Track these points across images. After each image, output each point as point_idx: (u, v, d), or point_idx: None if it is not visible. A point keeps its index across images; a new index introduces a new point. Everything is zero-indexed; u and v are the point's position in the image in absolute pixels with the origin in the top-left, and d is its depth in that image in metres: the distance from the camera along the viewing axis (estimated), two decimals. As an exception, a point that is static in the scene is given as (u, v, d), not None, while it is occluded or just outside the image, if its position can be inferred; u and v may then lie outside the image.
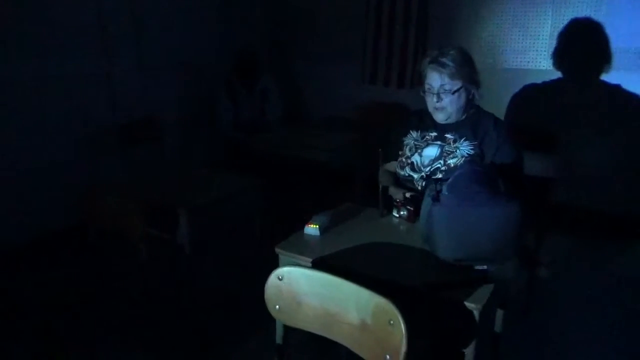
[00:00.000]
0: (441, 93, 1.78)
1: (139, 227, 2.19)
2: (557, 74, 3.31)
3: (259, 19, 4.41)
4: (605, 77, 3.17)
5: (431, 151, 1.84)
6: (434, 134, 1.86)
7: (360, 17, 3.96)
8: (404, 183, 1.91)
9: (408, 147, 1.91)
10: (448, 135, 1.83)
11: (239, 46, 3.87)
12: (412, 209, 1.74)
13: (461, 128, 1.83)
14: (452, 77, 1.76)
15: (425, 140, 1.87)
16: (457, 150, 1.79)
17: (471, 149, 1.78)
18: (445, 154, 1.80)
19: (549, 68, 3.33)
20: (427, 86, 1.82)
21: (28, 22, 2.85)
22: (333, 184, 3.37)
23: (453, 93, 1.77)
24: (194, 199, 2.39)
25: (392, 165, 1.99)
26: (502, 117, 3.15)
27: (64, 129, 3.10)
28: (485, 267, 1.39)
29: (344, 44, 4.11)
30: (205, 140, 3.99)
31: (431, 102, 1.82)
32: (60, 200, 2.97)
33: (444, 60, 1.76)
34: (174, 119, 3.71)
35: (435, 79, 1.78)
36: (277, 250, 1.59)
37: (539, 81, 3.35)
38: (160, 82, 3.66)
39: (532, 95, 3.37)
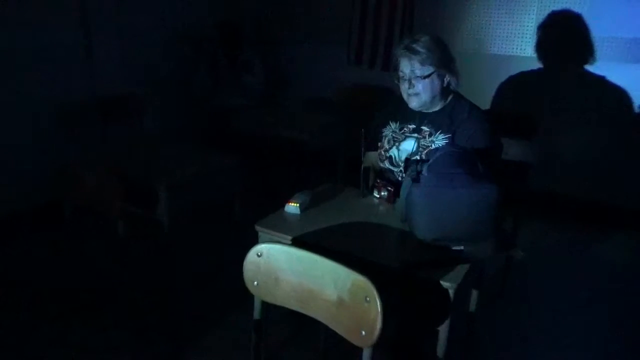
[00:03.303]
0: (412, 79, 1.78)
1: (117, 203, 2.15)
2: (542, 62, 3.33)
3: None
4: (589, 67, 3.20)
5: (408, 145, 1.85)
6: (413, 126, 1.86)
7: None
8: (384, 174, 1.92)
9: (386, 139, 1.91)
10: (424, 128, 1.83)
11: (223, 20, 3.81)
12: (392, 190, 1.75)
13: (438, 119, 1.83)
14: (422, 62, 1.76)
15: (403, 133, 1.88)
16: (433, 145, 1.79)
17: (446, 143, 1.79)
18: (421, 148, 1.81)
19: (533, 55, 3.34)
20: (400, 73, 1.83)
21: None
22: (315, 164, 3.36)
23: (424, 78, 1.77)
24: (174, 175, 2.37)
25: (374, 155, 2.00)
26: (485, 102, 3.21)
27: (41, 103, 3.00)
28: (461, 247, 1.41)
29: (330, 24, 4.06)
30: (186, 116, 3.94)
31: (404, 88, 1.83)
32: (36, 175, 2.90)
33: (414, 46, 1.76)
34: (155, 93, 3.63)
35: (406, 65, 1.79)
36: (257, 227, 1.59)
37: (525, 69, 3.37)
38: (141, 55, 3.57)
39: (518, 82, 3.39)
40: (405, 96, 1.85)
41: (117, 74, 3.40)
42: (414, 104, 1.83)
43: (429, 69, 1.76)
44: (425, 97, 1.80)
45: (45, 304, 2.27)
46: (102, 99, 3.10)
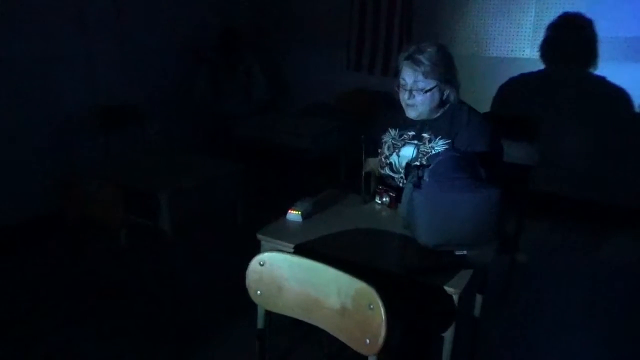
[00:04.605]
0: (414, 90, 1.75)
1: (119, 213, 2.15)
2: (541, 63, 3.34)
3: (243, 2, 4.33)
4: (589, 67, 3.20)
5: (408, 151, 1.83)
6: (412, 133, 1.85)
7: (345, 3, 3.93)
8: (385, 180, 1.91)
9: (386, 145, 1.90)
10: (424, 135, 1.81)
11: (223, 27, 3.83)
12: (394, 195, 1.74)
13: (438, 125, 1.81)
14: (426, 75, 1.73)
15: (403, 140, 1.86)
16: (432, 151, 1.77)
17: (446, 148, 1.76)
18: (421, 155, 1.79)
19: (532, 57, 3.35)
20: (401, 81, 1.79)
21: None
22: (316, 170, 3.36)
23: (425, 92, 1.74)
24: (176, 183, 2.36)
25: (374, 161, 1.99)
26: (484, 105, 3.21)
27: (41, 113, 3.01)
28: (464, 252, 1.41)
29: (329, 29, 4.07)
30: (187, 125, 3.94)
31: (403, 97, 1.80)
32: (37, 185, 2.90)
33: (419, 57, 1.73)
34: (155, 102, 3.64)
35: (409, 75, 1.75)
36: (259, 236, 1.59)
37: (524, 70, 3.37)
38: (141, 64, 3.57)
39: (517, 84, 3.39)
40: (403, 104, 1.83)
41: (118, 84, 3.41)
42: (411, 113, 1.81)
43: (431, 83, 1.74)
44: (422, 109, 1.78)
45: (48, 314, 2.26)
46: (103, 109, 3.11)
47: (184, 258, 2.67)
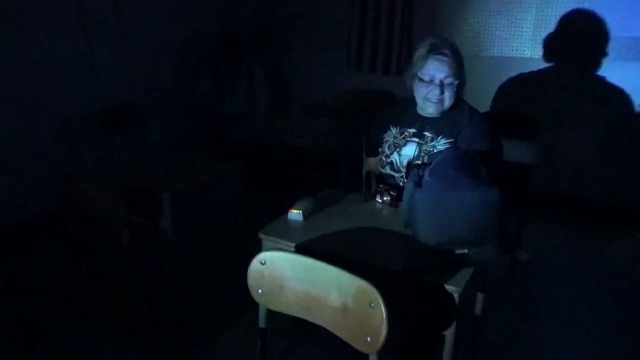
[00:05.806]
0: (444, 86, 1.72)
1: (121, 213, 2.15)
2: (541, 63, 3.34)
3: (244, 4, 4.34)
4: (589, 66, 3.19)
5: (409, 150, 1.82)
6: (413, 130, 1.83)
7: (345, 2, 3.94)
8: (386, 179, 1.92)
9: (387, 144, 1.89)
10: (426, 133, 1.80)
11: (224, 29, 3.84)
12: (394, 194, 1.75)
13: (440, 124, 1.80)
14: (455, 69, 1.72)
15: (404, 137, 1.85)
16: (434, 149, 1.77)
17: (447, 147, 1.77)
18: (423, 154, 1.79)
19: (532, 56, 3.35)
20: (426, 77, 1.75)
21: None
22: (317, 170, 3.37)
23: (453, 88, 1.74)
24: (177, 183, 2.37)
25: (374, 160, 1.99)
26: (485, 105, 3.22)
27: (42, 114, 3.02)
28: (465, 250, 1.41)
29: (329, 29, 4.08)
30: (189, 125, 3.95)
31: (432, 93, 1.75)
32: (38, 186, 2.91)
33: (447, 51, 1.72)
34: (157, 103, 3.65)
35: (440, 70, 1.72)
36: (261, 235, 1.59)
37: (524, 70, 3.37)
38: (142, 65, 3.58)
39: (518, 84, 3.39)
40: (420, 100, 1.79)
41: (119, 84, 3.42)
42: (431, 109, 1.79)
43: (457, 77, 1.73)
44: (446, 104, 1.76)
45: (49, 314, 2.27)
46: (105, 109, 3.11)
47: (186, 258, 2.68)
